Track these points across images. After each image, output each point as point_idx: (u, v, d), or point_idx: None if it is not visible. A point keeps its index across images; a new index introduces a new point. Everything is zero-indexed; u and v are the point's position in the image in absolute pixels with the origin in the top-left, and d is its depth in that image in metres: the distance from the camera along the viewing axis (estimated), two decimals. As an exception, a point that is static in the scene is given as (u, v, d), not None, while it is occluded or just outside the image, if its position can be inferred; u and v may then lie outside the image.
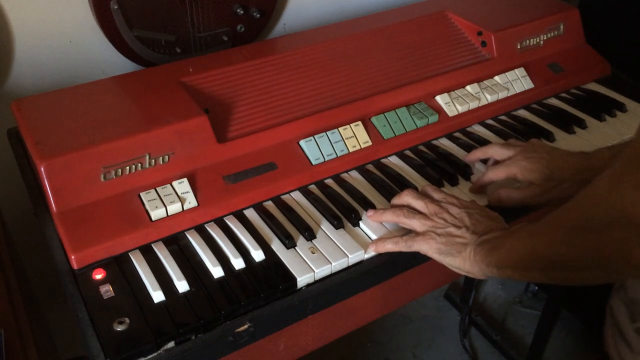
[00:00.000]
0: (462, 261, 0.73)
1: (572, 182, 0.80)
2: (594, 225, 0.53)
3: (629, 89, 1.15)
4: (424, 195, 0.80)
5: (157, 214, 0.78)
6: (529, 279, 0.67)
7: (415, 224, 0.76)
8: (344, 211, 0.84)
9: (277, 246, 0.79)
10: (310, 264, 0.76)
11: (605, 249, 0.53)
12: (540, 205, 0.83)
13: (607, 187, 0.52)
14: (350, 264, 0.78)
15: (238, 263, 0.75)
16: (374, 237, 0.80)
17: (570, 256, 0.57)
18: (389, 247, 0.77)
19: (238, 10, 1.11)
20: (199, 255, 0.76)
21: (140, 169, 0.80)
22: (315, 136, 0.91)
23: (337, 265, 0.76)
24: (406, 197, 0.79)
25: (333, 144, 0.92)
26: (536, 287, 1.87)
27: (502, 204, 0.84)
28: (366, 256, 0.78)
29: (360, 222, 0.82)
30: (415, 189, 0.88)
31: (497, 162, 0.88)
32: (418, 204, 0.78)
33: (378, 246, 0.78)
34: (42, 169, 0.75)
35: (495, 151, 0.88)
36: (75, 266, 0.73)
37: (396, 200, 0.81)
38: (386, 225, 0.82)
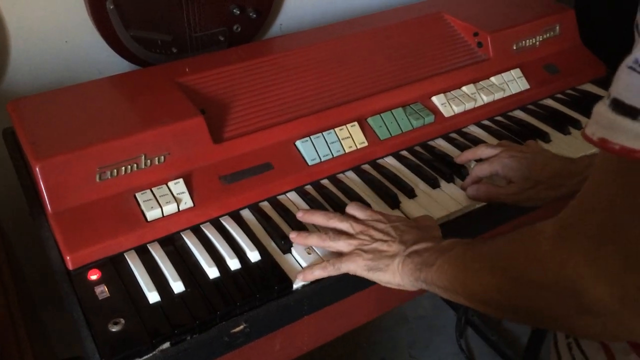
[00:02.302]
0: (391, 275, 0.70)
1: (547, 185, 0.81)
2: (529, 282, 0.51)
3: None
4: (348, 216, 0.78)
5: (152, 214, 0.78)
6: (457, 302, 0.64)
7: (341, 244, 0.74)
8: (339, 212, 0.84)
9: (272, 247, 0.79)
10: (305, 264, 0.76)
11: (540, 309, 0.51)
12: (515, 203, 0.84)
13: (549, 248, 0.49)
14: (346, 264, 0.77)
15: (234, 264, 0.75)
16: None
17: (503, 303, 0.56)
18: (317, 273, 0.73)
19: (234, 11, 1.11)
20: (195, 256, 0.76)
21: (136, 169, 0.80)
22: (311, 136, 0.91)
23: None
24: (331, 221, 0.77)
25: (329, 145, 0.92)
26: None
27: (481, 199, 0.86)
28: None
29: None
30: (411, 189, 0.88)
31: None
32: (343, 225, 0.76)
33: (306, 275, 0.73)
34: (38, 169, 0.75)
35: (483, 151, 0.90)
36: (70, 267, 0.73)
37: (322, 221, 0.78)
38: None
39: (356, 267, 0.72)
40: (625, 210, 0.43)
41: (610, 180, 0.45)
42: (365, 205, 0.83)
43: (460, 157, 0.94)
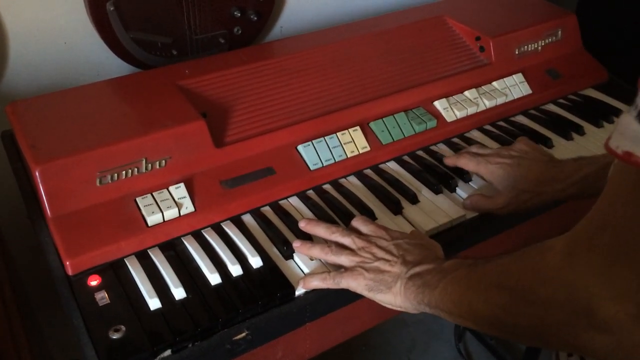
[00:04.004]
0: (392, 297, 0.69)
1: (531, 194, 0.81)
2: (537, 300, 0.50)
3: (625, 96, 1.15)
4: (352, 230, 0.77)
5: (153, 219, 0.77)
6: (463, 325, 0.64)
7: (343, 260, 0.73)
8: (341, 217, 0.83)
9: (274, 252, 0.78)
10: (308, 270, 0.75)
11: (549, 329, 0.50)
12: (505, 215, 0.83)
13: (558, 265, 0.48)
14: (348, 270, 0.77)
15: (235, 270, 0.74)
16: None
17: (510, 323, 0.55)
18: (316, 283, 0.72)
19: (235, 13, 1.11)
20: (196, 262, 0.75)
21: (136, 173, 0.79)
22: (313, 141, 0.90)
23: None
24: (334, 235, 0.76)
25: (331, 149, 0.91)
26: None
27: (472, 209, 0.86)
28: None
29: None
30: (414, 195, 0.88)
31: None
32: (346, 240, 0.74)
33: (306, 283, 0.73)
34: (37, 173, 0.74)
35: (465, 164, 0.89)
36: (70, 272, 0.72)
37: (325, 234, 0.77)
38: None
39: (357, 285, 0.71)
40: None
41: (629, 196, 0.43)
42: (370, 216, 0.83)
43: (446, 159, 0.93)
